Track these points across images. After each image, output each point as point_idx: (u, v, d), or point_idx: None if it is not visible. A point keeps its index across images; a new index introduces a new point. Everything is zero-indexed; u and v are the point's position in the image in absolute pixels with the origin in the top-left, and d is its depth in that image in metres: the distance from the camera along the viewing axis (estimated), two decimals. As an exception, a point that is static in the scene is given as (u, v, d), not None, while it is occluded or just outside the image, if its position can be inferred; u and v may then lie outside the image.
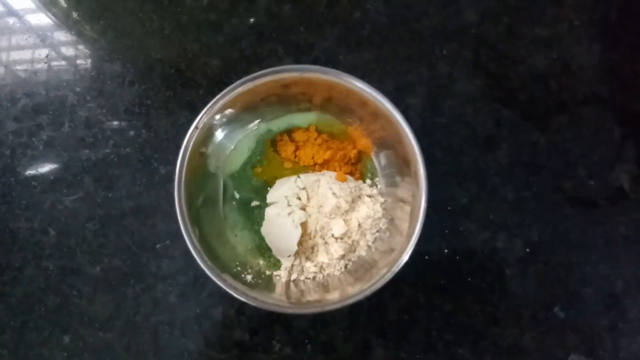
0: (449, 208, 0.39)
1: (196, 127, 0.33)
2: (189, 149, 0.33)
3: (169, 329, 0.36)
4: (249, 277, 0.34)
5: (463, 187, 0.39)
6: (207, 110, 0.33)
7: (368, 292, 0.31)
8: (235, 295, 0.30)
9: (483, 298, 0.37)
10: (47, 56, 0.41)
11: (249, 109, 0.36)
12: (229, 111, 0.35)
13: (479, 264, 0.38)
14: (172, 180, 0.38)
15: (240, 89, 0.33)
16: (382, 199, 0.37)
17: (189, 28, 0.41)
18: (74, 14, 0.42)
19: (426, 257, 0.38)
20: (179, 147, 0.39)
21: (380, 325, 0.37)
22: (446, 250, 0.38)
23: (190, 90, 0.40)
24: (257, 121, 0.37)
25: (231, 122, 0.36)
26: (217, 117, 0.34)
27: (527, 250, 0.38)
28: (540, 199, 0.39)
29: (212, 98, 0.33)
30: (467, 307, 0.37)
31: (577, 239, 0.39)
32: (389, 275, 0.31)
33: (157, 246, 0.37)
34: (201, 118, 0.33)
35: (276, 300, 0.32)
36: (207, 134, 0.35)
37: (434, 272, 0.38)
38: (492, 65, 0.41)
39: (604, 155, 0.40)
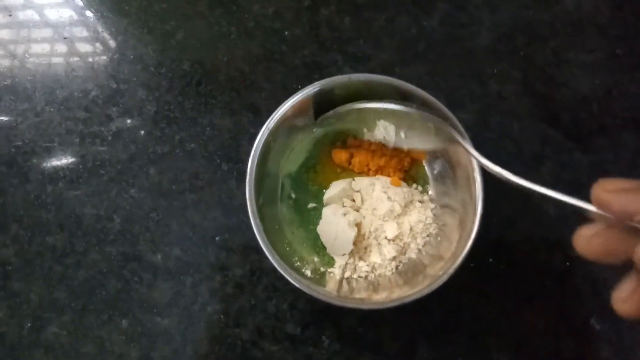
0: (495, 219, 0.41)
1: (267, 128, 0.35)
2: (260, 149, 0.35)
3: (224, 318, 0.38)
4: (307, 272, 0.36)
5: (509, 200, 0.41)
6: (278, 112, 0.35)
7: (424, 293, 0.33)
8: (301, 288, 0.32)
9: (524, 306, 0.39)
10: (115, 52, 0.43)
11: (309, 112, 0.38)
12: (293, 114, 0.37)
13: (521, 275, 0.40)
14: (233, 176, 0.40)
15: (310, 93, 0.35)
16: (432, 205, 0.39)
17: (255, 34, 0.43)
18: (144, 15, 0.44)
19: (471, 265, 0.39)
20: (240, 146, 0.41)
21: (425, 327, 0.39)
22: (491, 260, 0.40)
23: (253, 92, 0.42)
24: (315, 124, 0.39)
25: (292, 125, 0.38)
26: (283, 119, 0.36)
27: (567, 264, 0.40)
28: (581, 216, 0.41)
29: (274, 101, 0.35)
30: (509, 315, 0.39)
31: None
32: (442, 280, 0.33)
33: (217, 238, 0.39)
34: (272, 119, 0.35)
35: (330, 296, 0.34)
36: (273, 136, 0.37)
37: (478, 280, 0.39)
38: (539, 86, 0.43)
39: (641, 177, 0.42)
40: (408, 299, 0.32)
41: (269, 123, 0.35)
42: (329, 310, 0.38)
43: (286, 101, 0.35)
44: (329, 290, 0.36)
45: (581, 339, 0.39)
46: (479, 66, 0.43)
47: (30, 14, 0.46)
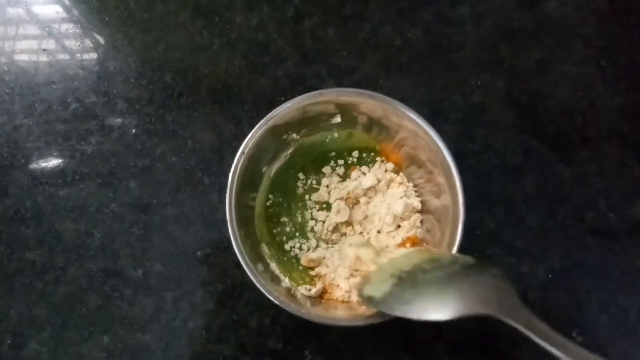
0: (478, 232, 0.41)
1: (246, 145, 0.34)
2: (239, 165, 0.34)
3: (206, 334, 0.38)
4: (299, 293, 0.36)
5: (492, 213, 0.41)
6: (258, 127, 0.34)
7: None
8: (281, 305, 0.32)
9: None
10: (95, 64, 0.43)
11: (288, 124, 0.37)
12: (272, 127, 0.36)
13: (503, 287, 0.40)
14: (215, 190, 0.40)
15: (293, 106, 0.35)
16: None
17: (237, 45, 0.43)
18: (125, 26, 0.44)
19: (454, 278, 0.39)
20: (223, 159, 0.41)
21: (407, 341, 0.39)
22: (474, 272, 0.40)
23: (235, 104, 0.42)
24: (293, 135, 0.38)
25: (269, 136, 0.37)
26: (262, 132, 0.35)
27: (550, 276, 0.40)
28: (563, 228, 0.41)
29: (256, 113, 0.34)
30: (491, 328, 0.39)
31: (596, 268, 0.41)
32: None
33: (198, 253, 0.39)
34: (252, 136, 0.34)
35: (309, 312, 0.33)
36: (255, 149, 0.36)
37: (461, 293, 0.39)
38: (522, 98, 0.43)
39: (624, 189, 0.42)
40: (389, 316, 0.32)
41: (248, 139, 0.34)
42: (311, 325, 0.38)
43: (269, 114, 0.34)
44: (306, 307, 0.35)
45: (563, 352, 0.39)
46: (463, 77, 0.43)
47: (12, 24, 0.45)
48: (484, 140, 0.42)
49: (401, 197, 0.37)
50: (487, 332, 0.39)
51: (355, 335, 0.38)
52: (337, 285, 0.36)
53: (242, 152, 0.33)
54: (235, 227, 0.33)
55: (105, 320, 0.38)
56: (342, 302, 0.35)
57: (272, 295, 0.32)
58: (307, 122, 0.37)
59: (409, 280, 0.30)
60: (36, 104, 0.42)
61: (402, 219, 0.37)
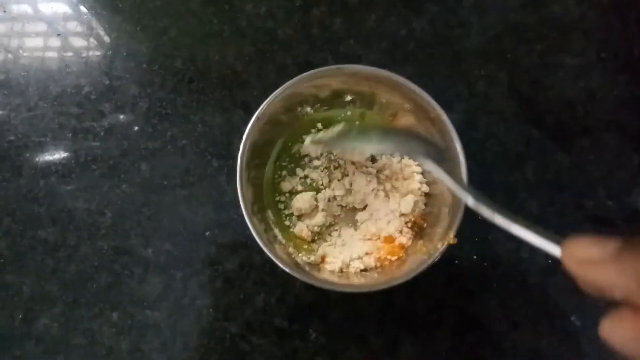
0: (479, 217, 0.41)
1: (257, 118, 0.35)
2: (253, 129, 0.35)
3: (214, 312, 0.39)
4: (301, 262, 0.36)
5: (493, 199, 0.42)
6: (274, 96, 0.35)
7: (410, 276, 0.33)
8: (297, 276, 0.32)
9: (506, 303, 0.40)
10: (108, 49, 0.44)
11: (303, 97, 0.38)
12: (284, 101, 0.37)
13: (504, 272, 0.41)
14: (224, 172, 0.41)
15: (309, 78, 0.35)
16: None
17: (247, 33, 0.44)
18: (137, 12, 0.45)
19: (456, 262, 0.40)
20: (231, 143, 0.42)
21: (410, 323, 0.39)
22: (475, 257, 0.41)
23: (244, 90, 0.43)
24: (307, 108, 0.39)
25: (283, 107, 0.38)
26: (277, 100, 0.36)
27: (549, 261, 0.41)
28: (563, 215, 0.42)
29: (265, 99, 0.35)
30: (491, 311, 0.40)
31: None
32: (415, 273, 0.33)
33: (207, 234, 0.40)
34: (262, 109, 0.35)
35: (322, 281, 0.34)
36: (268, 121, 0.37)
37: (462, 276, 0.40)
38: (524, 88, 0.44)
39: (622, 178, 0.43)
40: (397, 281, 0.32)
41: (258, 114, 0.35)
42: (316, 305, 0.39)
43: (285, 84, 0.35)
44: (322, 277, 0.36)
45: (562, 336, 0.40)
46: (467, 68, 0.44)
47: (25, 9, 0.46)
48: (487, 129, 0.43)
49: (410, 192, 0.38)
50: (487, 315, 0.40)
51: (359, 316, 0.39)
52: (334, 258, 0.37)
53: (257, 117, 0.34)
54: (244, 191, 0.33)
55: (115, 298, 0.39)
56: (339, 272, 0.36)
57: (272, 253, 0.32)
58: (321, 97, 0.38)
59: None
60: (50, 87, 0.43)
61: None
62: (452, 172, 0.31)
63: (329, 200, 0.39)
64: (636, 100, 0.45)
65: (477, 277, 0.40)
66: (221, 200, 0.40)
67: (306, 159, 0.40)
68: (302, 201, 0.38)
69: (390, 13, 0.45)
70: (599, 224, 0.42)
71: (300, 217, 0.39)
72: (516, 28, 0.45)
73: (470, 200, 0.28)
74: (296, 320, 0.39)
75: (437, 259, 0.33)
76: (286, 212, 0.39)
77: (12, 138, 0.42)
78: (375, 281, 0.35)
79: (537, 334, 0.40)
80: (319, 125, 0.40)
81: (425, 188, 0.39)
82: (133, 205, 0.40)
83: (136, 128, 0.42)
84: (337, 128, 0.36)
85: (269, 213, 0.38)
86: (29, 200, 0.40)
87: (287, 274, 0.39)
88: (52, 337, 0.38)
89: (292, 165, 0.39)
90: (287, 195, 0.39)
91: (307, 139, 0.38)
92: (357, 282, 0.35)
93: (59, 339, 0.38)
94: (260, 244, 0.32)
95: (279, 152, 0.39)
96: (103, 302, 0.39)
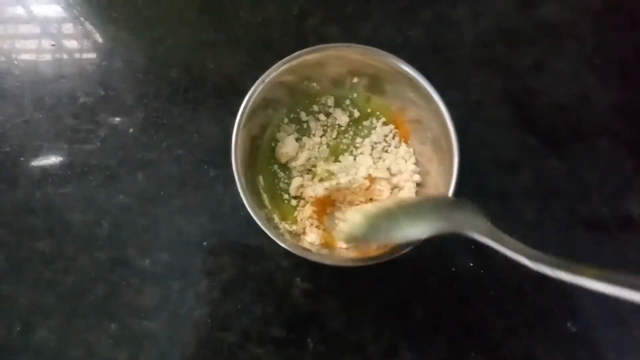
0: (475, 224, 0.42)
1: (267, 75, 0.35)
2: (257, 91, 0.35)
3: (211, 322, 0.39)
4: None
5: (488, 206, 0.42)
6: (281, 62, 0.36)
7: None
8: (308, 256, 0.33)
9: (502, 310, 0.40)
10: (103, 59, 0.44)
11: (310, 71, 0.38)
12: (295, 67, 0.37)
13: (500, 278, 0.41)
14: (220, 182, 0.41)
15: (317, 52, 0.36)
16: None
17: (242, 42, 0.44)
18: (132, 22, 0.45)
19: (453, 269, 0.41)
20: (227, 152, 0.42)
21: (407, 330, 0.40)
22: (471, 264, 0.41)
23: (240, 99, 0.43)
24: (313, 84, 0.40)
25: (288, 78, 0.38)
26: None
27: (545, 267, 0.41)
28: (557, 221, 0.43)
29: None
30: (488, 317, 0.40)
31: (588, 260, 0.41)
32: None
33: (204, 244, 0.40)
34: (274, 68, 0.36)
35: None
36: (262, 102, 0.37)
37: (459, 283, 0.41)
38: (518, 95, 0.45)
39: (616, 184, 0.43)
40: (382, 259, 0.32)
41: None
42: (313, 313, 0.39)
43: (293, 54, 0.36)
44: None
45: (558, 342, 0.40)
46: (461, 75, 0.44)
47: (18, 19, 0.46)
48: (481, 136, 0.44)
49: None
50: (483, 322, 0.40)
51: (357, 323, 0.40)
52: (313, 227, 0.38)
53: (262, 80, 0.34)
54: (238, 153, 0.34)
55: (113, 309, 0.39)
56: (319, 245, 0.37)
57: (258, 216, 0.33)
58: (328, 76, 0.39)
59: (382, 215, 0.32)
60: (46, 98, 0.43)
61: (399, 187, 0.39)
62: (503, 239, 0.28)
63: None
64: (630, 106, 0.45)
65: (474, 284, 0.41)
66: (218, 209, 0.40)
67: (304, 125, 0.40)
68: (286, 145, 0.38)
69: (386, 21, 0.45)
70: (593, 230, 0.42)
71: (287, 164, 0.39)
72: (510, 35, 0.46)
73: (528, 262, 0.25)
74: (294, 330, 0.39)
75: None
76: (281, 185, 0.39)
77: (7, 149, 0.42)
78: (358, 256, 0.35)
79: (534, 339, 0.40)
80: (328, 102, 0.40)
81: (417, 178, 0.39)
82: (129, 215, 0.40)
83: (132, 138, 0.42)
84: (355, 217, 0.33)
85: (260, 179, 0.38)
86: (26, 212, 0.40)
87: (284, 282, 0.39)
88: (49, 349, 0.38)
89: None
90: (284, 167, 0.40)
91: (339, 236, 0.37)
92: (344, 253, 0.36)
93: (56, 351, 0.38)
94: (244, 201, 0.33)
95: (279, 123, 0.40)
96: (100, 314, 0.39)
